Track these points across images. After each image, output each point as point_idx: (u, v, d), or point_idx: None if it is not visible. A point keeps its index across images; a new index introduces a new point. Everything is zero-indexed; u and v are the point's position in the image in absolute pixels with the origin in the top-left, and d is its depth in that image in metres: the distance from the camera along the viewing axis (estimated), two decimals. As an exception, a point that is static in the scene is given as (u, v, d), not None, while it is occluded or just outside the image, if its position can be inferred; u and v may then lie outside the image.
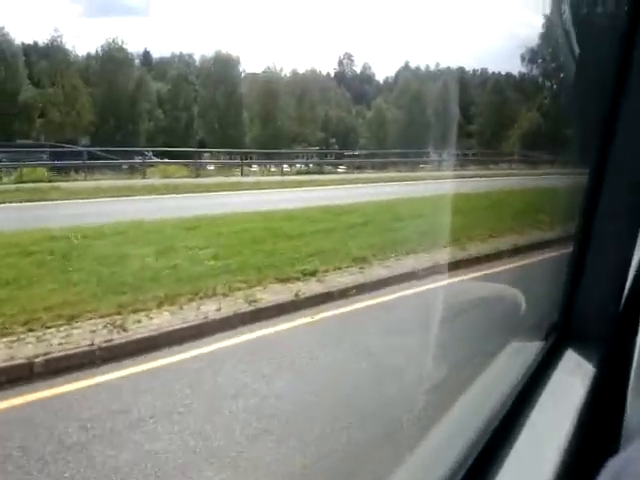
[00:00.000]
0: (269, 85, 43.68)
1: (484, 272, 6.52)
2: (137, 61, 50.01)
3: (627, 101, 1.04)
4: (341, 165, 30.01)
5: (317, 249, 6.96)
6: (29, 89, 34.81)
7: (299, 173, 24.00)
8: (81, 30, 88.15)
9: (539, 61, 35.73)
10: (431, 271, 5.99)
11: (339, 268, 6.27)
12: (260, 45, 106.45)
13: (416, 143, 46.02)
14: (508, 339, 1.37)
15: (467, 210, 9.12)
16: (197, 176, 20.24)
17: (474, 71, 50.86)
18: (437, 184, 13.84)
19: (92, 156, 20.90)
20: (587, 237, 1.16)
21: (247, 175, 22.74)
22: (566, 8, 1.42)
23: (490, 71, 50.17)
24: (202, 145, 36.36)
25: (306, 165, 28.24)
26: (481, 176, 21.75)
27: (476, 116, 49.20)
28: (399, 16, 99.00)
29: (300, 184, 17.71)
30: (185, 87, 43.57)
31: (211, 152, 31.50)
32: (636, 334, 0.98)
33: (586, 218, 1.16)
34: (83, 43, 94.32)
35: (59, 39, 36.73)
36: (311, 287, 5.63)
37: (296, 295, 5.33)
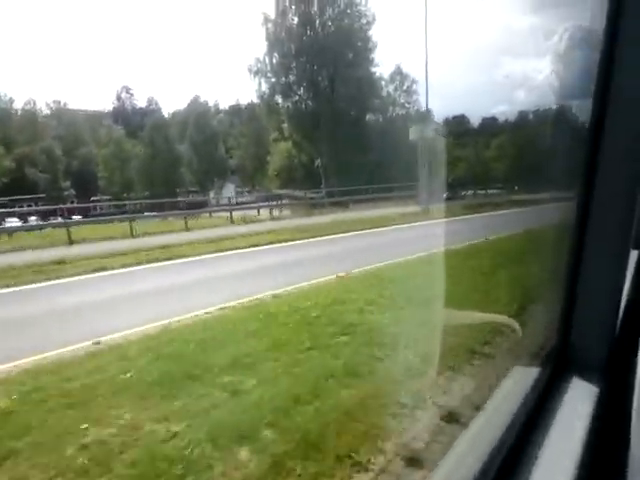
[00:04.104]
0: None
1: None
2: None
3: (609, 124, 1.04)
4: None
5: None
6: None
7: None
8: None
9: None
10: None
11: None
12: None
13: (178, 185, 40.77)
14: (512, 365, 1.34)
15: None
16: None
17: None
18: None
19: None
20: (579, 263, 1.17)
21: None
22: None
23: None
24: None
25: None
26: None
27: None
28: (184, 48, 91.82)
29: None
30: None
31: None
32: (635, 355, 1.05)
33: (577, 245, 1.17)
34: None
35: None
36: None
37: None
